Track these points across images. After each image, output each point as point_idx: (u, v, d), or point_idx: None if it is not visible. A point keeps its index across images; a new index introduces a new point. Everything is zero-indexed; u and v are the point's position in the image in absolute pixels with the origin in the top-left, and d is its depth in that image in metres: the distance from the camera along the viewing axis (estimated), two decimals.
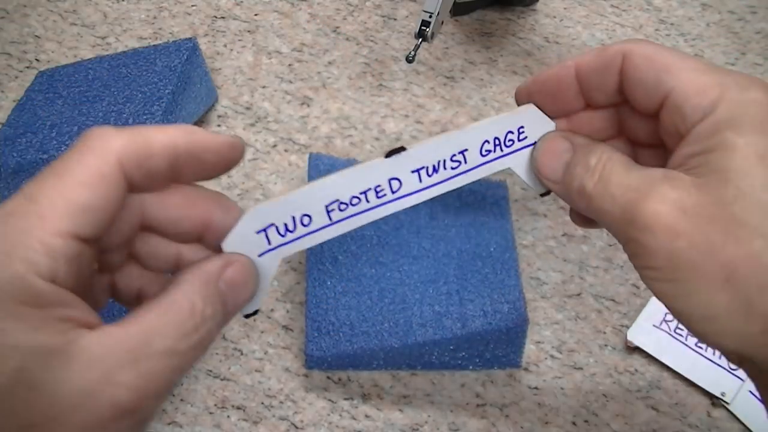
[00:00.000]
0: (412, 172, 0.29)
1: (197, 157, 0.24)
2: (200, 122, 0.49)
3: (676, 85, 0.27)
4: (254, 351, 0.39)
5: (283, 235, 0.27)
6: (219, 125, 0.49)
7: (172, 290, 0.23)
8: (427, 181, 0.29)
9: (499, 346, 0.36)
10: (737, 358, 0.27)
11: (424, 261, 0.38)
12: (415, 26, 0.42)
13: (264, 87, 0.51)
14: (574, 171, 0.29)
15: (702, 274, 0.25)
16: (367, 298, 0.37)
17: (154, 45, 0.48)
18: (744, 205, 0.25)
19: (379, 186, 0.28)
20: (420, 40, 0.43)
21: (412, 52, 0.43)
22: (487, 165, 0.30)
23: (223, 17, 0.56)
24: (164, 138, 0.23)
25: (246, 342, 0.39)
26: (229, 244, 0.25)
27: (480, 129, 0.29)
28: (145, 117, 0.41)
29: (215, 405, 0.37)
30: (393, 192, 0.29)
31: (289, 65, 0.52)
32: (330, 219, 0.28)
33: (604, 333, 0.40)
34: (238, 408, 0.37)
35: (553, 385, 0.38)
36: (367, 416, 0.37)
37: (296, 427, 0.36)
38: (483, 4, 0.56)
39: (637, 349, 0.39)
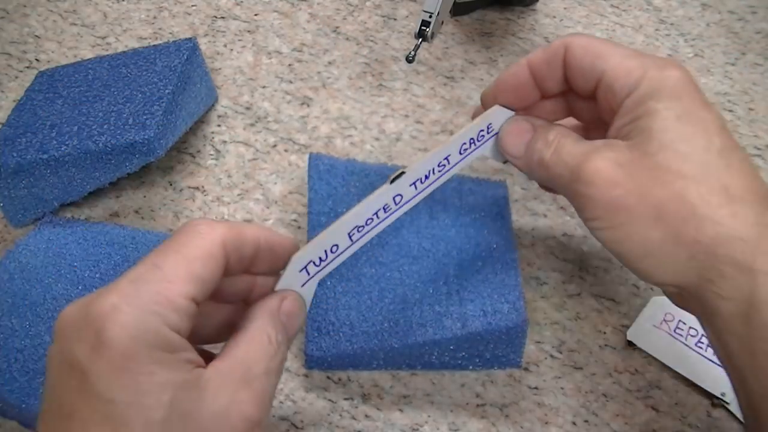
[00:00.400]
0: (410, 185, 0.34)
1: (272, 249, 0.30)
2: (200, 122, 0.49)
3: (607, 68, 0.32)
4: None
5: (318, 265, 0.32)
6: (219, 125, 0.49)
7: (249, 326, 0.28)
8: (420, 187, 0.35)
9: (499, 346, 0.36)
10: (677, 291, 0.31)
11: (424, 261, 0.38)
12: (415, 26, 0.42)
13: (264, 87, 0.51)
14: (535, 146, 0.35)
15: (637, 216, 0.30)
16: (367, 298, 0.37)
17: (154, 45, 0.48)
18: (666, 154, 0.30)
19: (386, 204, 0.33)
20: (420, 40, 0.43)
21: (412, 52, 0.43)
22: (465, 159, 0.36)
23: (223, 17, 0.56)
24: (252, 231, 0.29)
25: None
26: (280, 286, 0.31)
27: (459, 137, 0.35)
28: (145, 117, 0.41)
29: None
30: (396, 204, 0.34)
31: (289, 65, 0.52)
32: (352, 241, 0.33)
33: (604, 333, 0.40)
34: None
35: (553, 385, 0.38)
36: (367, 416, 0.37)
37: (296, 427, 0.36)
38: (483, 4, 0.56)
39: (637, 349, 0.39)
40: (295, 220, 0.44)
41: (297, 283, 0.32)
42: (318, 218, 0.39)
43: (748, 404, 0.30)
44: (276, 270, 0.31)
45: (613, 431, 0.37)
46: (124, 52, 0.48)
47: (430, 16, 0.42)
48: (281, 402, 0.37)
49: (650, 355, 0.39)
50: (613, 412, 0.37)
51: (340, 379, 0.38)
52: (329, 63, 0.52)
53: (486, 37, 0.55)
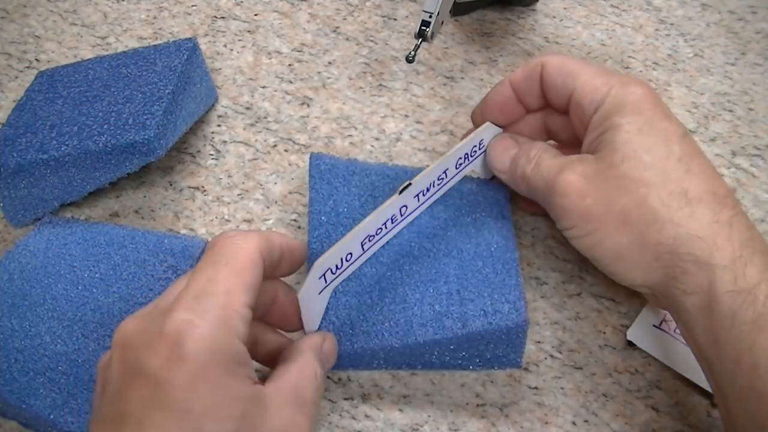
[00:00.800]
0: (414, 197, 0.36)
1: (292, 253, 0.32)
2: (200, 122, 0.49)
3: (576, 86, 0.35)
4: None
5: (334, 273, 0.34)
6: (219, 125, 0.49)
7: (298, 358, 0.31)
8: (422, 199, 0.38)
9: (499, 346, 0.36)
10: (649, 291, 0.34)
11: (425, 260, 0.38)
12: (415, 26, 0.42)
13: (264, 87, 0.51)
14: (518, 161, 0.37)
15: (605, 222, 0.32)
16: (367, 297, 0.37)
17: (154, 45, 0.48)
18: (630, 164, 0.32)
19: (394, 215, 0.36)
20: (420, 40, 0.43)
21: (412, 52, 0.43)
22: (460, 174, 0.39)
23: (223, 17, 0.56)
24: (276, 237, 0.31)
25: None
26: (302, 293, 0.33)
27: (456, 153, 0.38)
28: (145, 117, 0.41)
29: None
30: (401, 215, 0.37)
31: (289, 65, 0.52)
32: (363, 250, 0.35)
33: (604, 333, 0.40)
34: None
35: (553, 385, 0.38)
36: (367, 416, 0.37)
37: None
38: (483, 4, 0.56)
39: (637, 349, 0.39)
40: (294, 220, 0.44)
41: (316, 290, 0.33)
42: (319, 218, 0.39)
43: (717, 392, 0.31)
44: (292, 272, 0.34)
45: (613, 431, 0.37)
46: (124, 52, 0.48)
47: (430, 16, 0.42)
48: None
49: (650, 355, 0.39)
50: (613, 412, 0.37)
51: (340, 379, 0.38)
52: (329, 63, 0.52)
53: (486, 37, 0.55)
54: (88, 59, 0.48)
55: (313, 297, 0.34)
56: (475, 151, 0.39)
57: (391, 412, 0.37)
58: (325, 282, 0.34)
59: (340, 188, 0.41)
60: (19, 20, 0.56)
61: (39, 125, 0.43)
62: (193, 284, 0.27)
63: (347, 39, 0.54)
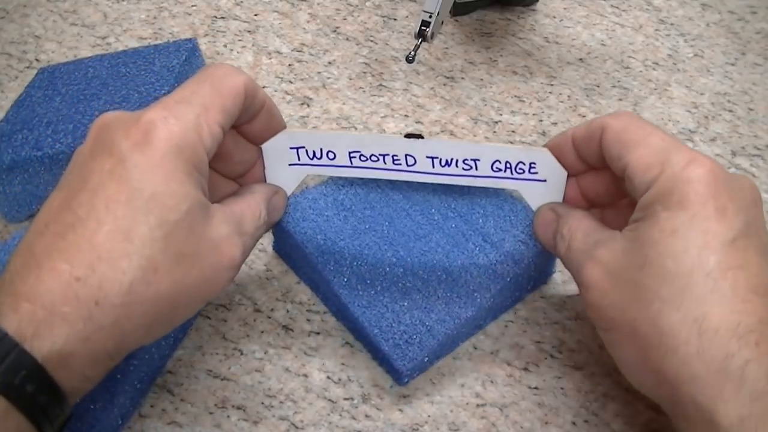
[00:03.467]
0: (427, 157, 0.34)
1: (270, 114, 0.34)
2: None
3: (630, 161, 0.31)
4: (254, 351, 0.39)
5: (310, 158, 0.34)
6: None
7: (248, 197, 0.33)
8: (439, 169, 0.34)
9: (539, 264, 0.38)
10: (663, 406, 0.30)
11: (434, 235, 0.38)
12: (415, 26, 0.42)
13: (264, 87, 0.51)
14: (556, 239, 0.35)
15: (617, 328, 0.30)
16: (416, 293, 0.37)
17: (154, 45, 0.48)
18: (650, 271, 0.28)
19: (396, 156, 0.34)
20: (420, 40, 0.43)
21: (412, 52, 0.43)
22: (495, 179, 0.35)
23: (223, 17, 0.56)
24: (262, 91, 0.33)
25: (246, 342, 0.39)
26: (267, 147, 0.34)
27: (493, 148, 0.34)
28: None
29: (215, 405, 0.37)
30: (408, 165, 0.34)
31: (289, 65, 0.52)
32: (350, 162, 0.34)
33: None
34: (238, 408, 0.37)
35: (553, 385, 0.38)
36: (367, 416, 0.37)
37: (296, 427, 0.36)
38: (483, 4, 0.56)
39: None
40: None
41: (285, 157, 0.34)
42: (320, 251, 0.38)
43: None
44: (264, 134, 0.35)
45: (612, 431, 0.36)
46: (124, 51, 0.48)
47: (430, 16, 0.42)
48: (281, 402, 0.37)
49: None
50: (613, 412, 0.37)
51: (340, 380, 0.38)
52: (329, 63, 0.52)
53: (486, 37, 0.55)
54: (89, 57, 0.48)
55: (278, 160, 0.34)
56: (522, 170, 0.35)
57: (391, 412, 0.37)
58: (298, 158, 0.34)
59: (317, 219, 0.39)
60: (19, 20, 0.56)
61: (36, 122, 0.43)
62: (177, 92, 0.29)
63: (347, 39, 0.54)
